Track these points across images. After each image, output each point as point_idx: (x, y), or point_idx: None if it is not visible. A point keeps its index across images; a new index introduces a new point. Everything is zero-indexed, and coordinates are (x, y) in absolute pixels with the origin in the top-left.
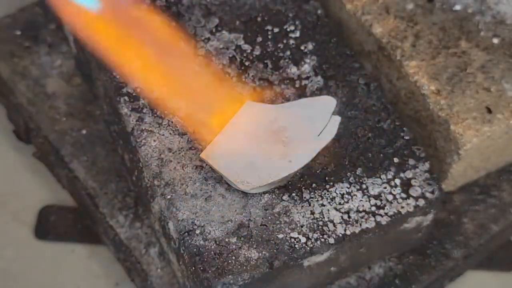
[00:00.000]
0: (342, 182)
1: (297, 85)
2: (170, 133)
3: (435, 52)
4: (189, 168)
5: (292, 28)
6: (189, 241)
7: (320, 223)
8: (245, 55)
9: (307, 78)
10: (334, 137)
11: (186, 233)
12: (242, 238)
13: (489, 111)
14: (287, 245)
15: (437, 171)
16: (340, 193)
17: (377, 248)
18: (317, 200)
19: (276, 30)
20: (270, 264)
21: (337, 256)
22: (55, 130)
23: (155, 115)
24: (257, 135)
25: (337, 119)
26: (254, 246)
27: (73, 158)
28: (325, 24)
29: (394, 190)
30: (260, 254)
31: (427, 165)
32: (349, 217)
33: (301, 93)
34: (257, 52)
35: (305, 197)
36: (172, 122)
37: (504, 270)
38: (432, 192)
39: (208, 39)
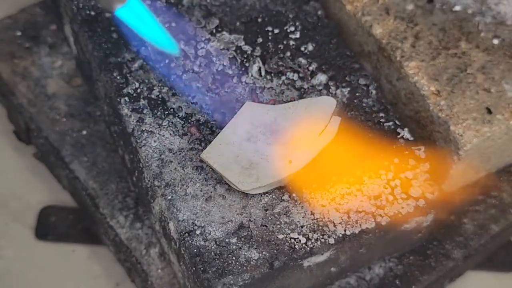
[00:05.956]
0: (342, 183)
1: (297, 86)
2: (171, 134)
3: (435, 52)
4: (189, 168)
5: (292, 29)
6: (190, 241)
7: (320, 223)
8: (245, 56)
9: (308, 78)
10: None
11: (187, 234)
12: (242, 239)
13: (489, 111)
14: (287, 246)
15: (437, 171)
16: (340, 194)
17: (377, 249)
18: (317, 201)
19: (276, 31)
20: (270, 264)
21: (337, 256)
22: (56, 131)
23: (156, 116)
24: (257, 136)
25: (337, 119)
26: (254, 247)
27: (74, 159)
28: (325, 25)
29: (394, 191)
30: (260, 254)
31: (427, 166)
32: (349, 217)
33: (301, 94)
34: (257, 53)
35: (305, 198)
36: (172, 122)
37: (504, 270)
38: (432, 193)
39: (209, 39)
